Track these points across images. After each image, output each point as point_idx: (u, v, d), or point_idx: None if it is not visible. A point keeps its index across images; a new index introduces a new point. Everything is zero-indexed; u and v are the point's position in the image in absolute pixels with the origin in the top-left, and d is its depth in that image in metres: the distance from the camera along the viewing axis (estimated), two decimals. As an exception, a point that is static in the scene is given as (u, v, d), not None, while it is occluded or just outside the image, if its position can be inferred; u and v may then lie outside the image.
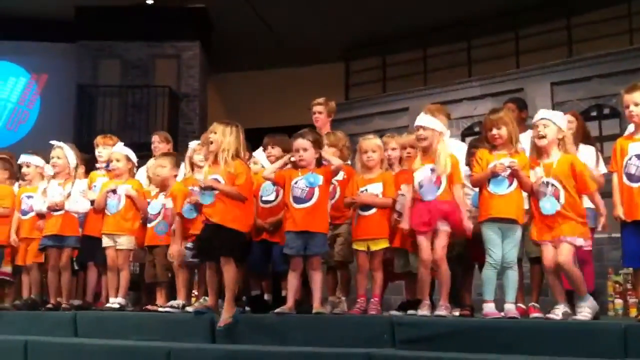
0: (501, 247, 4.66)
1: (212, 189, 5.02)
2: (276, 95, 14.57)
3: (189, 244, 5.56)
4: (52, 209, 6.09)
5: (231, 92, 15.31)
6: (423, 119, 4.91)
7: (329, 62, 14.38)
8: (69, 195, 6.08)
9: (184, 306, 5.54)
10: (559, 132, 4.65)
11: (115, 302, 5.83)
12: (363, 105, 13.17)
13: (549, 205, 4.52)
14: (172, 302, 5.61)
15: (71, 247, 6.10)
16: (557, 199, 4.51)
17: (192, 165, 5.97)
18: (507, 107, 5.58)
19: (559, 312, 4.44)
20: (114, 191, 5.98)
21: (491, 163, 4.72)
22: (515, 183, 4.69)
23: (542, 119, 4.67)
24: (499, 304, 4.66)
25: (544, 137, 4.62)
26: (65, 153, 6.24)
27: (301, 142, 5.10)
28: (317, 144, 5.15)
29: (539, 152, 4.69)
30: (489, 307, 4.62)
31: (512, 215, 4.67)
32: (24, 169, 6.49)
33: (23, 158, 6.52)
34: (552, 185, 4.54)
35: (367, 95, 13.62)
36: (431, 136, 4.86)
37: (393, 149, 5.47)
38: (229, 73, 15.45)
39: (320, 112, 6.39)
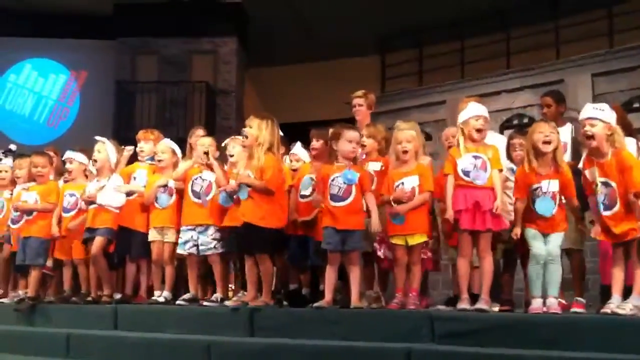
0: (544, 242, 4.60)
1: (246, 185, 5.07)
2: (312, 89, 14.55)
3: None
4: (86, 202, 6.19)
5: (268, 86, 15.33)
6: (482, 109, 4.94)
7: (365, 55, 14.30)
8: (102, 187, 6.15)
9: (222, 300, 5.58)
10: (607, 128, 4.47)
11: (161, 296, 5.88)
12: (400, 98, 13.07)
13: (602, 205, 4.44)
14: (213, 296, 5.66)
15: (102, 236, 6.11)
16: (616, 199, 4.39)
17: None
18: (544, 102, 5.49)
19: (626, 306, 4.31)
20: (165, 186, 6.03)
21: (532, 185, 4.67)
22: (557, 202, 4.62)
23: (588, 118, 4.50)
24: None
25: (592, 137, 4.47)
26: (106, 148, 6.33)
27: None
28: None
29: (590, 151, 4.54)
30: (536, 303, 4.56)
31: (556, 230, 4.64)
32: (68, 165, 6.58)
33: (68, 154, 6.61)
34: (609, 185, 4.42)
35: (404, 88, 13.51)
36: (488, 125, 4.90)
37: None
38: (266, 67, 15.47)
39: (360, 105, 6.36)
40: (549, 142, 4.64)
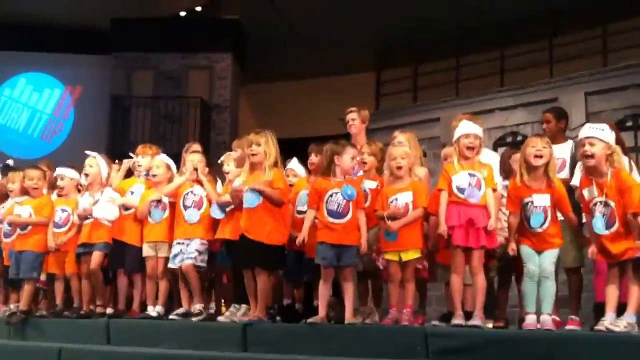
0: (537, 259, 4.60)
1: (258, 192, 5.13)
2: (307, 105, 14.59)
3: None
4: (81, 217, 6.19)
5: (262, 102, 15.35)
6: (476, 128, 4.93)
7: (360, 71, 14.36)
8: (96, 202, 6.15)
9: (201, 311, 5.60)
10: (607, 148, 4.48)
11: (154, 311, 5.85)
12: (394, 115, 13.08)
13: (600, 225, 4.43)
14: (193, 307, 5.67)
15: (100, 251, 6.12)
16: (615, 219, 4.40)
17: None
18: (544, 118, 5.52)
19: (620, 323, 4.31)
20: (158, 201, 6.02)
21: (524, 199, 4.69)
22: (549, 219, 4.63)
23: (587, 137, 4.50)
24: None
25: (591, 156, 4.47)
26: (97, 162, 6.34)
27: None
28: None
29: (588, 170, 4.54)
30: (530, 319, 4.55)
31: (551, 246, 4.65)
32: (59, 182, 6.57)
33: (58, 171, 6.61)
34: (608, 205, 4.43)
35: (398, 105, 13.56)
36: (480, 144, 4.89)
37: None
38: (261, 83, 15.51)
39: (353, 119, 6.40)
40: (540, 157, 4.65)
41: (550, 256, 4.63)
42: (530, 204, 4.66)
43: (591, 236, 4.60)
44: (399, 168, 5.17)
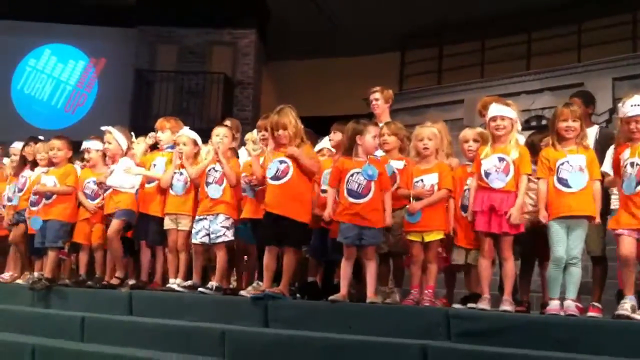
0: (566, 244, 4.57)
1: (292, 157, 5.13)
2: (330, 84, 14.54)
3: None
4: (100, 188, 6.27)
5: (285, 80, 15.32)
6: (500, 109, 4.86)
7: (384, 52, 14.27)
8: (111, 172, 6.21)
9: (217, 288, 5.63)
10: None
11: (175, 283, 5.90)
12: (418, 96, 13.02)
13: (626, 185, 4.42)
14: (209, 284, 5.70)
15: (118, 218, 6.16)
16: None
17: None
18: (573, 102, 5.44)
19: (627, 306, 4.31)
20: (180, 173, 6.04)
21: (559, 160, 4.63)
22: (587, 177, 4.58)
23: (632, 116, 4.47)
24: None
25: (637, 132, 4.48)
26: (115, 137, 6.36)
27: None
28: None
29: (629, 139, 4.56)
30: (554, 304, 4.53)
31: (588, 212, 4.58)
32: (86, 155, 6.62)
33: (85, 145, 6.64)
34: (638, 164, 4.42)
35: (422, 87, 13.47)
36: (508, 125, 4.82)
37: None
38: (284, 61, 15.48)
39: (377, 99, 6.39)
40: (572, 130, 4.67)
41: (580, 240, 4.59)
42: (566, 163, 4.62)
43: (620, 201, 4.54)
44: (426, 149, 5.15)
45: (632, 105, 4.51)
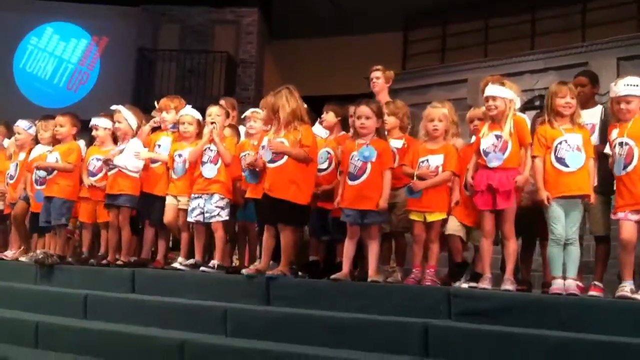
0: (564, 223, 4.57)
1: (280, 156, 5.10)
2: (332, 63, 14.46)
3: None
4: (105, 165, 6.25)
5: (288, 59, 15.24)
6: (492, 89, 4.83)
7: (387, 31, 14.17)
8: (121, 151, 6.19)
9: (218, 266, 5.64)
10: None
11: (176, 262, 5.93)
12: (420, 75, 12.95)
13: (616, 166, 4.44)
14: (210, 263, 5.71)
15: (126, 205, 6.18)
16: (631, 158, 4.40)
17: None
18: (579, 81, 5.42)
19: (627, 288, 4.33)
20: (180, 155, 6.03)
21: (557, 139, 4.61)
22: (583, 156, 4.56)
23: (625, 96, 4.49)
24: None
25: (627, 112, 4.50)
26: (124, 116, 6.35)
27: (364, 110, 5.08)
28: (379, 114, 5.13)
29: (618, 119, 4.57)
30: (557, 284, 4.55)
31: (585, 191, 4.59)
32: (94, 132, 6.59)
33: (93, 121, 6.60)
34: (627, 144, 4.43)
35: (425, 66, 13.40)
36: (502, 105, 4.78)
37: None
38: (287, 40, 15.38)
39: (377, 78, 6.41)
40: (570, 107, 4.68)
41: (576, 220, 4.60)
42: (564, 142, 4.62)
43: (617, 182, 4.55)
44: (435, 130, 5.16)
45: (625, 85, 4.53)
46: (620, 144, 4.47)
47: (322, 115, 5.82)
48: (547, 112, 4.77)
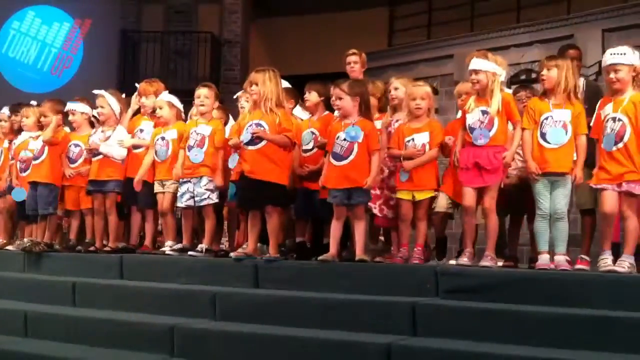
0: (549, 198, 4.58)
1: (260, 139, 5.05)
2: (319, 41, 14.35)
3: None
4: (90, 152, 6.21)
5: (274, 37, 15.14)
6: (475, 63, 4.80)
7: (373, 6, 14.09)
8: (107, 138, 6.15)
9: (207, 250, 5.62)
10: (632, 70, 4.45)
11: (165, 246, 5.93)
12: (407, 51, 12.87)
13: (606, 141, 4.40)
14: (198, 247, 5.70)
15: (112, 191, 6.16)
16: (623, 135, 4.37)
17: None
18: (569, 54, 5.40)
19: (624, 264, 4.33)
20: (162, 138, 5.99)
21: (544, 114, 4.61)
22: (569, 133, 4.56)
23: (610, 65, 4.47)
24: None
25: (617, 81, 4.46)
26: (108, 101, 6.29)
27: (335, 91, 5.05)
28: (355, 93, 5.03)
29: (613, 92, 4.54)
30: (543, 259, 4.57)
31: (564, 169, 4.59)
32: (70, 117, 6.54)
33: (69, 106, 6.55)
34: (620, 120, 4.40)
35: (411, 42, 13.33)
36: (484, 79, 4.75)
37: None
38: (272, 18, 15.28)
39: (355, 62, 6.34)
40: (544, 80, 4.68)
41: (563, 195, 4.60)
42: (550, 118, 4.62)
43: (598, 156, 4.54)
44: (418, 109, 5.15)
45: (611, 54, 4.51)
46: (614, 119, 4.44)
47: (305, 95, 5.76)
48: (541, 85, 4.78)
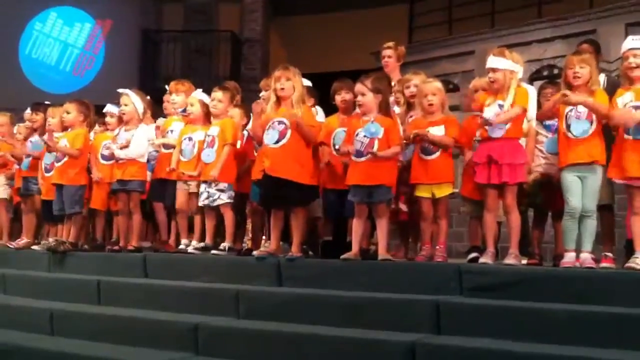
0: (580, 195, 4.55)
1: (296, 125, 5.06)
2: (339, 39, 14.33)
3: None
4: (110, 156, 6.30)
5: (294, 36, 15.14)
6: (492, 61, 4.78)
7: (393, 3, 14.04)
8: (128, 141, 6.21)
9: (229, 249, 5.66)
10: None
11: (188, 244, 5.95)
12: (428, 48, 12.81)
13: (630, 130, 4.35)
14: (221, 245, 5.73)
15: (136, 190, 6.21)
16: None
17: None
18: (583, 49, 5.36)
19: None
20: (189, 138, 6.02)
21: (567, 107, 4.59)
22: (595, 123, 4.52)
23: (630, 49, 4.46)
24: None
25: (636, 67, 4.44)
26: (132, 99, 6.34)
27: (359, 87, 5.04)
28: (377, 90, 5.01)
29: (630, 81, 4.52)
30: (569, 257, 4.54)
31: (592, 159, 4.54)
32: (108, 119, 6.60)
33: (107, 108, 6.62)
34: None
35: (432, 38, 13.27)
36: (501, 77, 4.74)
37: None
38: (292, 17, 15.27)
39: (389, 57, 6.29)
40: (578, 77, 4.62)
41: (592, 192, 4.57)
42: (574, 110, 4.58)
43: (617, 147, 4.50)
44: (431, 105, 5.14)
45: (632, 39, 4.52)
46: (636, 107, 4.40)
47: (342, 95, 5.60)
48: (562, 83, 4.75)
